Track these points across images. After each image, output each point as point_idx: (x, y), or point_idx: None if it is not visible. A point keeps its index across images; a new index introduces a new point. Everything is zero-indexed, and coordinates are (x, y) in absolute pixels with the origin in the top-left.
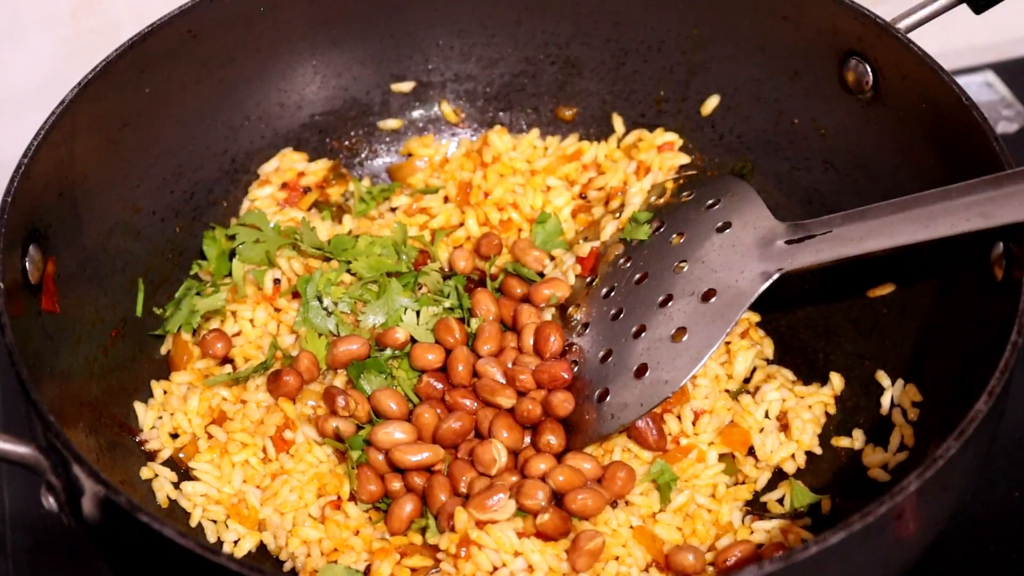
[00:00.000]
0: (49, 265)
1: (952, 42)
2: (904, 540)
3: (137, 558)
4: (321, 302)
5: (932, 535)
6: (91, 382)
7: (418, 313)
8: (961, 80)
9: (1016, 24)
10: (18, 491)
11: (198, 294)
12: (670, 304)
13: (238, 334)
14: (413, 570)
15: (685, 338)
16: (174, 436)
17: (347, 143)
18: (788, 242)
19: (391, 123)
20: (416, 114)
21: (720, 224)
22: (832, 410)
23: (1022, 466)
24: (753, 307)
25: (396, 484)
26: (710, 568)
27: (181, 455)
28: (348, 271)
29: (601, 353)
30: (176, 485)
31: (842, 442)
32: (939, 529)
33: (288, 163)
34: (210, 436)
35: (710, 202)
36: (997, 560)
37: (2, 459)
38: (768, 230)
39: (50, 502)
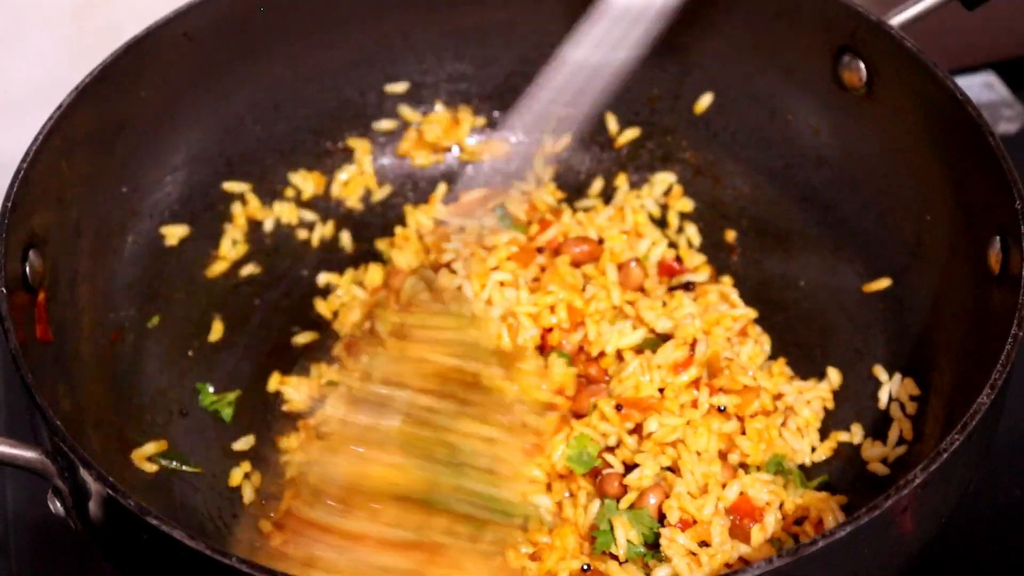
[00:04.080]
0: (40, 294)
1: (952, 42)
2: (908, 533)
3: (145, 561)
4: None
5: (935, 528)
6: (94, 385)
7: None
8: (961, 80)
9: (1016, 24)
10: (21, 493)
11: None
12: None
13: None
14: None
15: None
16: None
17: (341, 144)
18: None
19: (385, 124)
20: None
21: None
22: (831, 405)
23: (1022, 462)
24: (751, 304)
25: None
26: None
27: None
28: None
29: None
30: None
31: (841, 436)
32: (941, 522)
33: None
34: None
35: None
36: (998, 556)
37: (10, 464)
38: None
39: (57, 506)
